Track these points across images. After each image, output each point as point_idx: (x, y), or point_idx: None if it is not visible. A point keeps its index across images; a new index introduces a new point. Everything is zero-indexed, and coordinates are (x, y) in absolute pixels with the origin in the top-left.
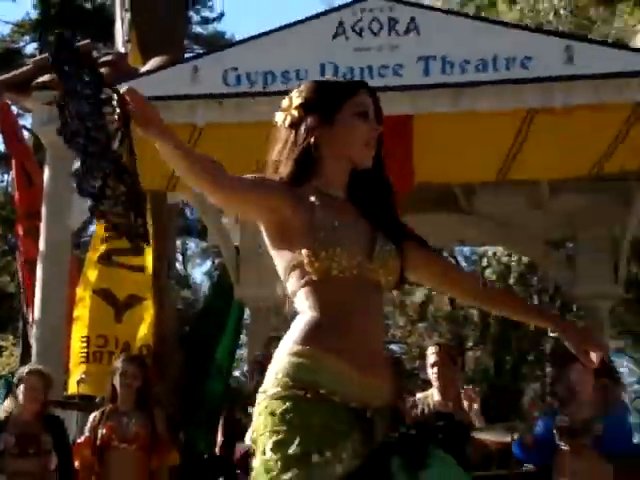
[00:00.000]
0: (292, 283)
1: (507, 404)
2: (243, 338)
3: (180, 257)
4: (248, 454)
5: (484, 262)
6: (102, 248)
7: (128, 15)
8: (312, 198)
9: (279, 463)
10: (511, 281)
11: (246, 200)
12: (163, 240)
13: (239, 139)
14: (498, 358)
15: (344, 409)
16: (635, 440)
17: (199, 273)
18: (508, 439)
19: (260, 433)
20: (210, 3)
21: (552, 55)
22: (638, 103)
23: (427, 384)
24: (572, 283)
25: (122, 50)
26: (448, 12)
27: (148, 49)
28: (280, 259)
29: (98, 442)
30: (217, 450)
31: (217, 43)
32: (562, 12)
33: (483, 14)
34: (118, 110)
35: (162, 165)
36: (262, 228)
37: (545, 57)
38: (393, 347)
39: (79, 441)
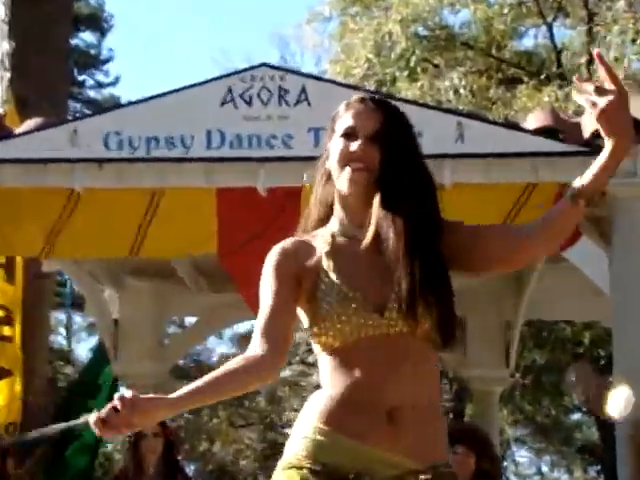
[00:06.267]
0: (313, 345)
1: None
2: None
3: (64, 331)
4: None
5: None
6: None
7: (8, 74)
8: (321, 251)
9: None
10: None
11: (292, 327)
12: (34, 309)
13: (119, 205)
14: None
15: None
16: None
17: (84, 349)
18: None
19: None
20: (105, 67)
21: (444, 131)
22: (528, 184)
23: None
24: (463, 365)
25: None
26: (339, 84)
27: (27, 110)
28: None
29: None
30: None
31: None
32: (462, 91)
33: (384, 90)
34: None
35: (34, 230)
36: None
37: (437, 133)
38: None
39: None
